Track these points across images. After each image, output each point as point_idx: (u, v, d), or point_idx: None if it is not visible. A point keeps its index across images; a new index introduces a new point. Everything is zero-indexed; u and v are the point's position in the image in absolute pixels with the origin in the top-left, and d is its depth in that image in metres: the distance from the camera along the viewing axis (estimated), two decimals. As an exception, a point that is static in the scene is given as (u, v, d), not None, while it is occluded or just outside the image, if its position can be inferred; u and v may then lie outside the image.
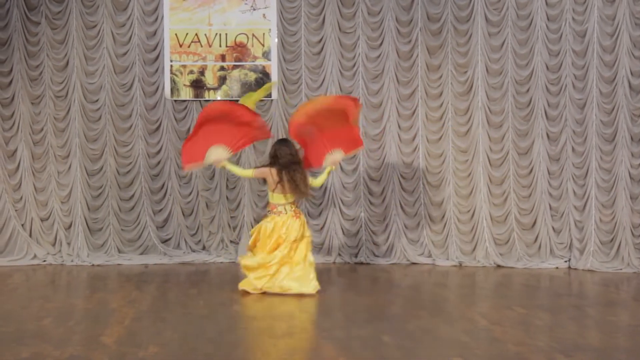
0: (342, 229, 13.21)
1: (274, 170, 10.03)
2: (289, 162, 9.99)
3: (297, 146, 10.29)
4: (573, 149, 12.91)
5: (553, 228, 12.95)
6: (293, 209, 10.19)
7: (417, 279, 11.93)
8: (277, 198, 10.12)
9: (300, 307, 9.59)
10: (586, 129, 12.87)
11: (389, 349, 7.41)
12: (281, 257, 10.04)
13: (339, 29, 13.13)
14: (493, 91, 13.00)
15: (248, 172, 10.46)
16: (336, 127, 10.33)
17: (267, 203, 10.55)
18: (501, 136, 13.04)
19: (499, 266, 12.82)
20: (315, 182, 10.42)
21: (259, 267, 10.10)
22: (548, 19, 12.92)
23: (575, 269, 12.68)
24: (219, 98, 13.01)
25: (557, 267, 12.78)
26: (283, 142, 10.25)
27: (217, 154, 10.15)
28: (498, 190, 13.04)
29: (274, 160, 10.07)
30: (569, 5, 12.85)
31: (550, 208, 12.97)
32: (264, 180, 10.40)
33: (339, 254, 13.15)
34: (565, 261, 12.86)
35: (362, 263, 13.05)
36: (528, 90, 12.98)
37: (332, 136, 10.39)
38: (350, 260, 13.09)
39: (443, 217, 13.13)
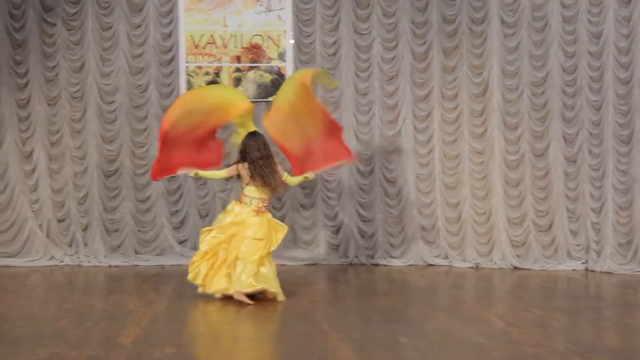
0: (358, 230, 13.34)
1: (245, 166, 9.92)
2: (257, 157, 9.83)
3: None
4: (589, 151, 13.01)
5: (570, 230, 13.04)
6: (259, 205, 9.90)
7: (434, 280, 12.03)
8: (249, 190, 9.94)
9: (316, 308, 9.67)
10: (602, 131, 12.98)
11: (405, 350, 7.44)
12: (230, 245, 9.83)
13: (354, 30, 13.29)
14: (509, 93, 13.12)
15: (222, 173, 10.24)
16: (322, 136, 10.55)
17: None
18: (517, 138, 13.14)
19: (515, 268, 12.93)
20: (290, 180, 10.20)
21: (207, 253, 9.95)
22: (563, 20, 13.04)
23: (592, 271, 12.77)
24: None
25: (574, 269, 12.87)
26: (252, 136, 10.04)
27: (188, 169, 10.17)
28: (514, 192, 13.15)
29: (243, 155, 9.95)
30: (585, 7, 12.96)
31: (567, 210, 13.06)
32: (238, 176, 10.15)
33: (356, 256, 13.29)
34: (582, 263, 12.96)
35: (378, 264, 13.18)
36: (544, 92, 13.09)
37: (319, 147, 10.50)
38: (366, 262, 13.23)
39: (459, 218, 13.25)
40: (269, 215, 10.06)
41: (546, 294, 11.11)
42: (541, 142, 13.11)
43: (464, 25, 13.15)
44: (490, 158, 13.17)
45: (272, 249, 9.93)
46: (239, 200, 10.06)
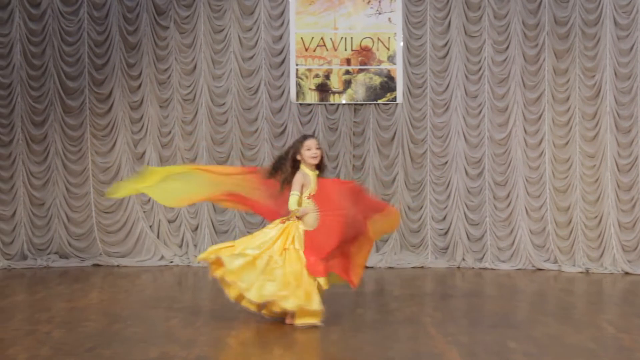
0: (466, 233, 13.94)
1: None
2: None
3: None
4: None
5: (684, 235, 13.45)
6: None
7: (543, 285, 12.30)
8: None
9: (423, 311, 9.92)
10: None
11: (514, 355, 7.55)
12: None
13: (465, 32, 13.92)
14: (622, 95, 13.56)
15: None
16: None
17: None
18: (630, 141, 13.58)
19: (627, 273, 13.27)
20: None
21: None
22: (680, 21, 13.50)
23: None
24: (343, 102, 13.96)
25: (686, 276, 13.20)
26: None
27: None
28: (626, 196, 13.56)
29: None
30: (703, 7, 13.43)
31: (681, 215, 13.46)
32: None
33: (463, 259, 13.86)
34: (696, 269, 13.36)
35: (486, 268, 13.72)
36: (659, 95, 13.53)
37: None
38: (474, 265, 13.79)
39: (569, 222, 13.69)
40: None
41: (658, 300, 11.43)
42: (656, 146, 13.56)
43: (577, 27, 13.65)
44: (601, 162, 13.59)
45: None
46: None
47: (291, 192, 8.91)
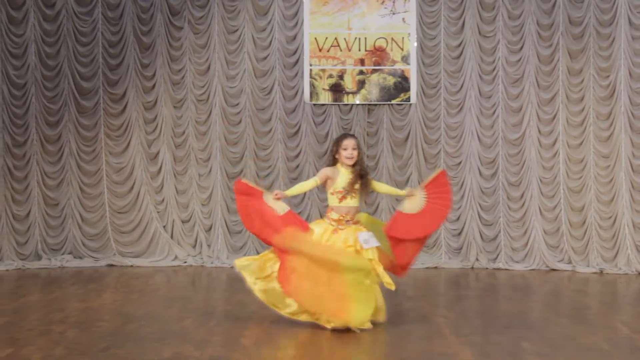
0: (480, 233, 13.97)
1: None
2: None
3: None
4: None
5: (699, 236, 13.45)
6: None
7: (557, 285, 12.30)
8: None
9: (437, 311, 9.95)
10: None
11: (528, 355, 7.56)
12: None
13: (479, 32, 13.95)
14: (636, 96, 13.58)
15: None
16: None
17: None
18: None
19: None
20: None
21: None
22: (696, 21, 13.51)
23: None
24: (357, 102, 13.99)
25: (701, 276, 13.21)
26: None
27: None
28: None
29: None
30: None
31: (696, 215, 13.47)
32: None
33: (477, 259, 13.89)
34: None
35: (500, 268, 13.73)
36: (675, 95, 13.53)
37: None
38: (488, 266, 13.81)
39: (584, 223, 13.72)
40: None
41: (672, 301, 11.42)
42: (671, 147, 13.55)
43: (591, 27, 13.66)
44: (616, 162, 13.61)
45: None
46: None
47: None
